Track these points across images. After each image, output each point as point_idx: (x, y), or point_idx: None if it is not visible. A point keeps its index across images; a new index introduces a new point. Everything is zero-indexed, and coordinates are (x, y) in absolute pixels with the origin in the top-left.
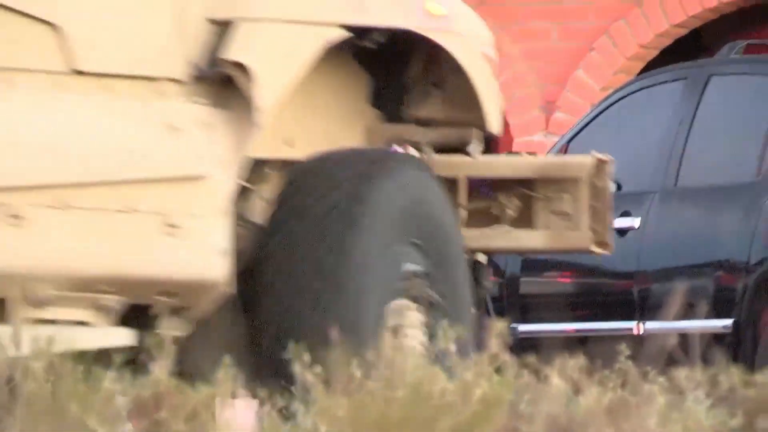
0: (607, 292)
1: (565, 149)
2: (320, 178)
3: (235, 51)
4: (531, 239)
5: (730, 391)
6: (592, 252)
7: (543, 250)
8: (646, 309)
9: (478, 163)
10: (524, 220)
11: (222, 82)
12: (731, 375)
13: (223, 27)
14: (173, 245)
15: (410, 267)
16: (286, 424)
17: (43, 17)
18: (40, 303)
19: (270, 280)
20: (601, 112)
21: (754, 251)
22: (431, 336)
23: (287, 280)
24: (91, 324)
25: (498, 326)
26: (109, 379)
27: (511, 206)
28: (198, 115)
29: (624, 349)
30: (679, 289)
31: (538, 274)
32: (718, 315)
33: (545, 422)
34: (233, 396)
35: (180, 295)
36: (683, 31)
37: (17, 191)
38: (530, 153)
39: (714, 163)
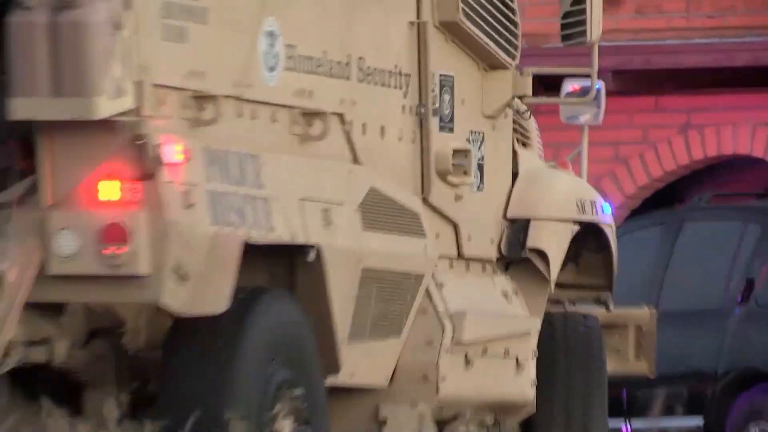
0: None
1: None
2: (563, 335)
3: (534, 241)
4: None
5: None
6: (646, 376)
7: (611, 375)
8: (633, 409)
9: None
10: None
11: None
12: None
13: (515, 222)
14: (518, 379)
15: None
16: None
17: (451, 218)
18: (460, 421)
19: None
20: None
21: (721, 364)
22: None
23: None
24: None
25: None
26: None
27: None
28: (511, 285)
29: None
30: (660, 394)
31: None
32: (692, 414)
33: None
34: None
35: (511, 413)
36: (661, 184)
37: (471, 345)
38: None
39: (688, 292)
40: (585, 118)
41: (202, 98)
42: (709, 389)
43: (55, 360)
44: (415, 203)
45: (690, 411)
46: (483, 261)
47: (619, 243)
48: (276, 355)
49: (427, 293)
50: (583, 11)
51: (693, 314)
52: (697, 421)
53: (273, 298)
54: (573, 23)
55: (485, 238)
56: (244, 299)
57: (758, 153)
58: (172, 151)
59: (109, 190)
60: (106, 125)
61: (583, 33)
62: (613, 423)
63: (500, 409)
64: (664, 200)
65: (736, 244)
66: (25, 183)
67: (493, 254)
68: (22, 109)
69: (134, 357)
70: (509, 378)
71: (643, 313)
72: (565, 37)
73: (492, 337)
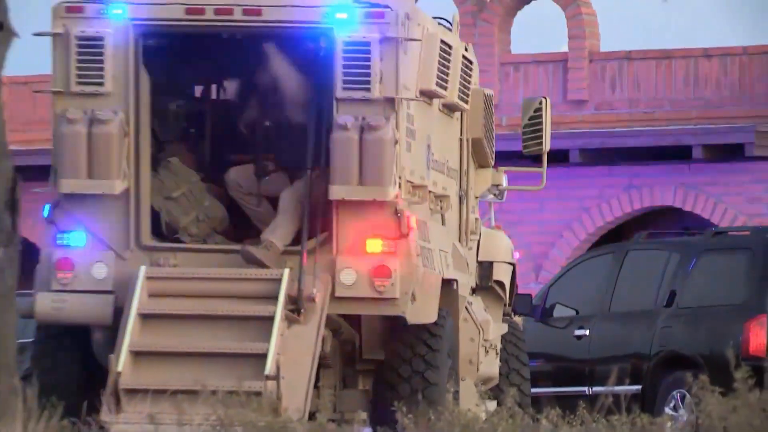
0: (571, 371)
1: (546, 292)
2: None
3: (497, 275)
4: None
5: (641, 428)
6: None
7: None
8: (593, 380)
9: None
10: None
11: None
12: (642, 419)
13: (482, 264)
14: (496, 362)
15: None
16: None
17: (467, 259)
18: (477, 389)
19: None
20: (567, 271)
21: (653, 347)
22: None
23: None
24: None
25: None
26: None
27: None
28: (483, 303)
29: (581, 403)
30: (612, 369)
31: (534, 360)
32: (634, 383)
33: None
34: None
35: (487, 384)
36: (612, 226)
37: (489, 341)
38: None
39: (630, 299)
40: (490, 197)
41: (415, 187)
42: (645, 365)
43: (325, 350)
44: (463, 251)
45: (632, 381)
46: (471, 288)
47: (582, 266)
48: (449, 350)
49: (466, 308)
50: (536, 127)
51: (634, 314)
52: (637, 387)
53: (448, 313)
54: (529, 138)
55: (473, 274)
56: (438, 314)
57: (678, 204)
58: (413, 221)
59: (374, 245)
60: (375, 203)
61: (538, 143)
62: (579, 388)
63: (484, 382)
64: (614, 237)
65: (663, 267)
66: (321, 237)
67: (474, 284)
68: (338, 192)
69: (343, 347)
70: (494, 362)
71: (515, 322)
72: (525, 147)
73: (496, 337)
